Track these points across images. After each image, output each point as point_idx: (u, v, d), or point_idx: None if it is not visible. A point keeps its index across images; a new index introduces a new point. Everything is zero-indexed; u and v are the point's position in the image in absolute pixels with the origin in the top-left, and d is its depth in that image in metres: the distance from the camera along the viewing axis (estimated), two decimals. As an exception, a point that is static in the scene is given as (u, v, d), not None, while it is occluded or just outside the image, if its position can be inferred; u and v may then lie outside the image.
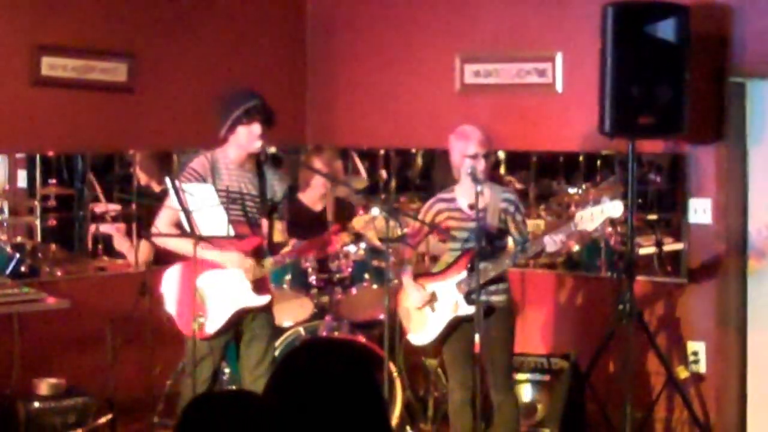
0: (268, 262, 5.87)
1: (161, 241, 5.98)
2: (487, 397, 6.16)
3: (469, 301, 5.88)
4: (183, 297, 5.79)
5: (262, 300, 5.88)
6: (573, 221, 5.77)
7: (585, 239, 5.94)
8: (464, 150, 5.97)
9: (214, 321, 5.80)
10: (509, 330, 6.10)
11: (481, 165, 5.95)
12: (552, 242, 5.78)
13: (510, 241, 6.12)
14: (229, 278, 5.81)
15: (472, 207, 5.85)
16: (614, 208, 5.70)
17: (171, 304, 5.89)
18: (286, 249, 6.01)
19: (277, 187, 5.97)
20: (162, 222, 5.88)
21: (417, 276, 6.17)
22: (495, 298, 6.00)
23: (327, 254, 6.61)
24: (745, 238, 6.88)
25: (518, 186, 7.63)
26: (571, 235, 5.84)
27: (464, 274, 5.94)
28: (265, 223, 5.95)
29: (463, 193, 6.03)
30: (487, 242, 5.91)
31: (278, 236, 6.11)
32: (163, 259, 6.26)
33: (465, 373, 5.96)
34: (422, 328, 6.11)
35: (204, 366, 5.81)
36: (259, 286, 5.89)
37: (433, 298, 6.07)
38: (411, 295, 6.11)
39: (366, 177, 8.23)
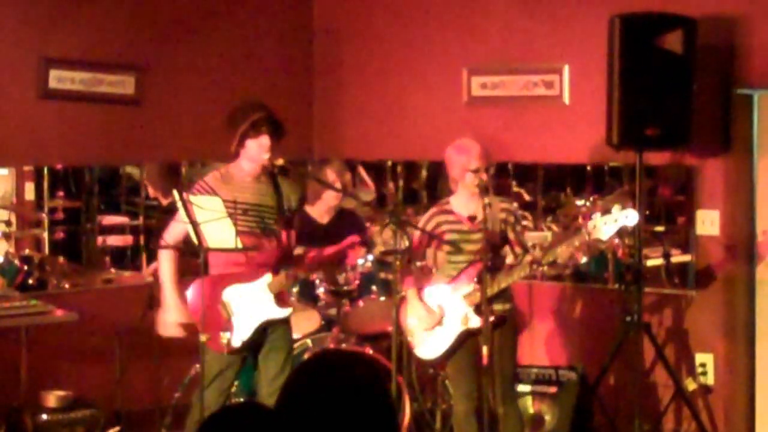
0: (281, 277, 5.85)
1: (160, 258, 5.97)
2: (491, 409, 6.15)
3: (480, 313, 5.85)
4: (209, 311, 5.76)
5: (285, 312, 5.88)
6: (586, 230, 5.74)
7: (593, 250, 5.91)
8: (466, 164, 5.95)
9: (240, 334, 5.80)
10: (514, 339, 6.08)
11: (483, 178, 5.95)
12: (565, 252, 5.76)
13: (508, 251, 6.08)
14: (253, 291, 5.82)
15: (471, 218, 5.84)
16: (628, 216, 5.67)
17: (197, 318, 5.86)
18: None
19: (292, 198, 5.97)
20: (170, 236, 5.88)
21: (420, 290, 6.12)
22: (502, 308, 5.98)
23: (342, 266, 6.61)
24: (753, 250, 6.87)
25: (527, 198, 7.63)
26: (584, 244, 5.80)
27: (472, 286, 5.91)
28: (284, 234, 5.94)
29: (461, 205, 6.01)
30: (493, 254, 5.90)
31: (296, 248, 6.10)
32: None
33: (470, 384, 5.94)
34: (431, 342, 6.09)
35: (225, 378, 5.83)
36: (281, 298, 5.89)
37: (441, 312, 6.05)
38: (420, 316, 6.08)
39: (374, 189, 8.23)
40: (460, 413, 6.09)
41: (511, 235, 6.00)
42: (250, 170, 5.83)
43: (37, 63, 7.11)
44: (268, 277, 5.82)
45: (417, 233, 6.06)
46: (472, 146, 5.99)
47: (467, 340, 5.96)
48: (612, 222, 5.66)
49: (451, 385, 6.24)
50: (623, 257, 7.22)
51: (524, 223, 6.28)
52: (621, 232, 5.87)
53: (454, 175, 6.00)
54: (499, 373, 6.01)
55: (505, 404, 6.04)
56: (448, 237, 6.00)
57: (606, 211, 5.73)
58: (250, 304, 5.81)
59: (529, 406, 6.86)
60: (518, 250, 6.00)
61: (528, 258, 5.87)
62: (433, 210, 6.17)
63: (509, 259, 6.12)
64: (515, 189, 7.70)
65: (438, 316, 6.02)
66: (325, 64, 8.52)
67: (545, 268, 6.09)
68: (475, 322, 5.87)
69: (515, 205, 6.31)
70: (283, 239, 5.91)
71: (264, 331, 5.87)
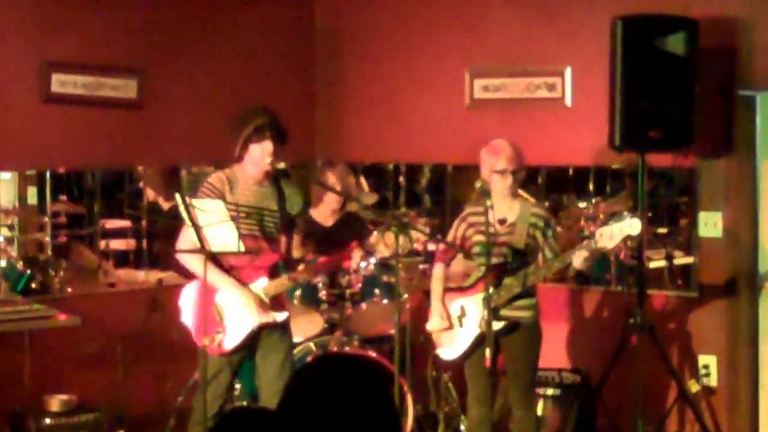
0: (283, 280, 5.86)
1: (183, 262, 5.96)
2: (505, 413, 6.15)
3: (496, 316, 5.84)
4: (201, 312, 5.77)
5: (280, 316, 5.88)
6: (593, 239, 5.73)
7: (596, 254, 5.90)
8: (493, 165, 5.94)
9: (232, 337, 5.80)
10: (534, 346, 6.04)
11: (508, 181, 5.93)
12: (578, 259, 5.76)
13: (540, 258, 6.07)
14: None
15: (501, 221, 5.85)
16: (633, 226, 5.67)
17: (189, 320, 5.89)
18: (301, 267, 6.01)
19: (294, 202, 5.97)
20: (185, 241, 5.86)
21: (447, 290, 6.14)
22: (521, 314, 5.95)
23: (341, 269, 6.62)
24: (756, 251, 6.87)
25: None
26: (593, 252, 5.79)
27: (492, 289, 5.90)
28: (283, 239, 5.95)
29: (495, 208, 5.98)
30: (513, 258, 5.90)
31: (297, 251, 6.12)
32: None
33: (484, 388, 5.92)
34: (452, 343, 6.10)
35: (219, 382, 5.82)
36: (276, 302, 5.89)
37: (461, 314, 6.06)
38: (432, 318, 6.11)
39: (371, 193, 8.20)
40: (474, 418, 6.08)
41: (541, 241, 5.98)
42: (254, 174, 5.85)
43: (39, 67, 7.12)
44: (263, 281, 5.83)
45: (451, 233, 6.13)
46: (503, 148, 5.99)
47: (484, 343, 5.93)
48: (618, 231, 5.66)
49: (468, 388, 6.23)
50: (626, 259, 7.22)
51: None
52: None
53: (484, 176, 5.98)
54: (516, 378, 6.02)
55: (521, 409, 6.04)
56: (476, 239, 6.00)
57: (616, 219, 5.71)
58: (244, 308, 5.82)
59: (540, 409, 6.85)
60: (549, 255, 5.98)
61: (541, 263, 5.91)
62: (464, 212, 6.17)
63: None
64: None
65: (446, 323, 6.05)
66: (326, 67, 8.52)
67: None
68: (493, 325, 5.85)
69: (547, 210, 6.30)
70: (282, 244, 5.93)
71: (258, 334, 5.87)
